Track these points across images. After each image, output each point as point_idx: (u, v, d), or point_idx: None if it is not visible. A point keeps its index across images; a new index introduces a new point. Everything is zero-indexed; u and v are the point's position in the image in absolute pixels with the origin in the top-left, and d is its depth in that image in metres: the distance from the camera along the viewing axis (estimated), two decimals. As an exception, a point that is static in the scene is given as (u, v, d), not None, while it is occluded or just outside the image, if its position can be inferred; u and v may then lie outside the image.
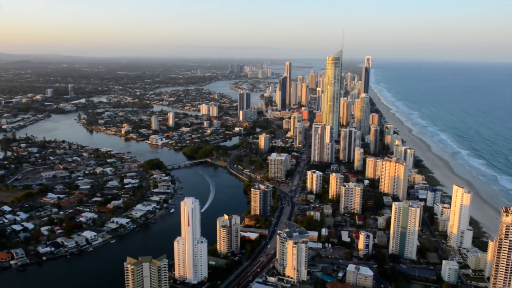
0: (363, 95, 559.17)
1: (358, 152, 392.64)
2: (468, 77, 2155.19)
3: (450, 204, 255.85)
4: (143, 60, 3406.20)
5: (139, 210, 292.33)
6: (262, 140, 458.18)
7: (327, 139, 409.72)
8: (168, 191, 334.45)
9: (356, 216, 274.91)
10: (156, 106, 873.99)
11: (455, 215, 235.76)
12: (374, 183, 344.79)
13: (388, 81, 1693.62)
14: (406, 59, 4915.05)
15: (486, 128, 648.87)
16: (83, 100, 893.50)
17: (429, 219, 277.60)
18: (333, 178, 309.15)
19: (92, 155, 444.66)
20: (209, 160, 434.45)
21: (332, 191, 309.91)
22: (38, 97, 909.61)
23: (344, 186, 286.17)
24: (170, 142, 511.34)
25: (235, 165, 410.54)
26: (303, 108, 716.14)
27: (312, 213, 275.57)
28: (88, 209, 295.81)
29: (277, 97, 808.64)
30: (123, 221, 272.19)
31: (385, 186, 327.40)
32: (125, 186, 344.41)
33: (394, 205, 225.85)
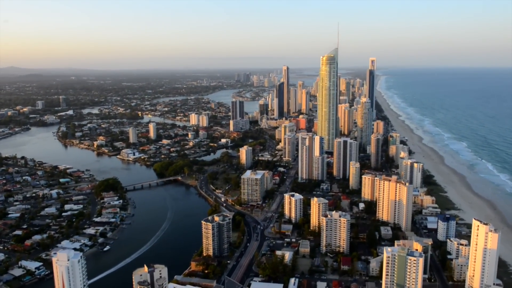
0: (364, 99, 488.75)
1: (353, 168, 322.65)
2: (483, 82, 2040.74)
3: (469, 240, 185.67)
4: (154, 72, 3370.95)
5: (63, 248, 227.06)
6: (244, 153, 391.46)
7: (316, 151, 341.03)
8: (113, 220, 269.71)
9: (341, 258, 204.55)
10: (147, 116, 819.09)
11: (476, 263, 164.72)
12: (372, 207, 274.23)
13: (399, 87, 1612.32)
14: (419, 65, 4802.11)
15: (503, 135, 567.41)
16: (70, 112, 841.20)
17: (441, 261, 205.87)
18: (315, 204, 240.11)
19: (48, 173, 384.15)
20: (179, 178, 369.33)
21: (314, 221, 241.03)
22: (25, 109, 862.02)
23: (326, 216, 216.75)
24: (142, 157, 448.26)
25: (208, 185, 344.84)
26: (301, 116, 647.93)
27: (281, 253, 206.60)
28: (2, 247, 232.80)
29: (274, 105, 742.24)
30: (33, 265, 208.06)
31: (383, 213, 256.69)
32: (63, 214, 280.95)
33: (386, 252, 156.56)
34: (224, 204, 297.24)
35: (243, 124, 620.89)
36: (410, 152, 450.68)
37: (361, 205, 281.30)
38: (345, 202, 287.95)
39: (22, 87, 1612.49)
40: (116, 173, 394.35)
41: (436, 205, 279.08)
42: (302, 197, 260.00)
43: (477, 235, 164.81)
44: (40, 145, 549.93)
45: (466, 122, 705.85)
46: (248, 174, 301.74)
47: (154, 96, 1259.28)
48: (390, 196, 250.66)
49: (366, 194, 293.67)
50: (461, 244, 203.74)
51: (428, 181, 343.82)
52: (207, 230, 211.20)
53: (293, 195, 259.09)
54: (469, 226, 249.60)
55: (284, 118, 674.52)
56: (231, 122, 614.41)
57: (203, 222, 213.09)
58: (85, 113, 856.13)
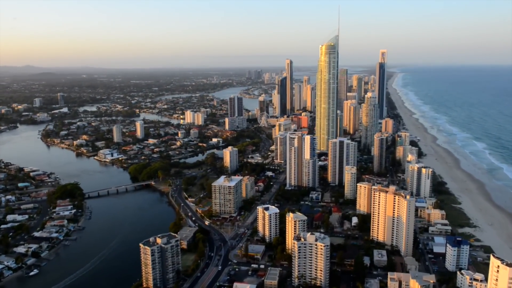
0: (369, 94, 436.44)
1: (348, 174, 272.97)
2: (502, 79, 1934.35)
3: (486, 273, 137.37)
4: (167, 70, 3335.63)
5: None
6: (227, 155, 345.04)
7: (306, 154, 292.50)
8: (55, 235, 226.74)
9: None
10: (145, 114, 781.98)
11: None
12: (367, 222, 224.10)
13: (416, 85, 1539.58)
14: (437, 63, 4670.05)
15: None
16: (65, 110, 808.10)
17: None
18: (290, 221, 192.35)
19: (10, 177, 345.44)
20: (152, 183, 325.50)
21: (289, 242, 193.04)
22: (20, 107, 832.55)
23: (299, 239, 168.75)
24: (120, 158, 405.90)
25: (182, 192, 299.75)
26: (303, 114, 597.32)
27: (240, 286, 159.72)
28: None
29: (276, 102, 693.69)
30: None
31: (379, 232, 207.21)
32: (2, 226, 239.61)
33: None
34: (193, 217, 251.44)
35: (240, 122, 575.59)
36: (422, 154, 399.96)
37: (354, 220, 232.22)
38: (335, 216, 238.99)
39: (29, 85, 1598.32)
40: (86, 176, 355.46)
41: (446, 222, 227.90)
42: (278, 210, 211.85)
43: (497, 279, 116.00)
44: (19, 144, 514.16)
45: (484, 121, 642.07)
46: (220, 180, 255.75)
47: (159, 93, 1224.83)
48: (386, 212, 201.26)
49: (361, 205, 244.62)
50: (475, 280, 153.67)
51: (439, 189, 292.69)
52: (146, 255, 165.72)
53: (267, 208, 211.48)
54: (487, 250, 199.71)
55: (286, 116, 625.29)
56: (227, 120, 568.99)
57: (141, 245, 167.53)
58: (81, 110, 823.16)
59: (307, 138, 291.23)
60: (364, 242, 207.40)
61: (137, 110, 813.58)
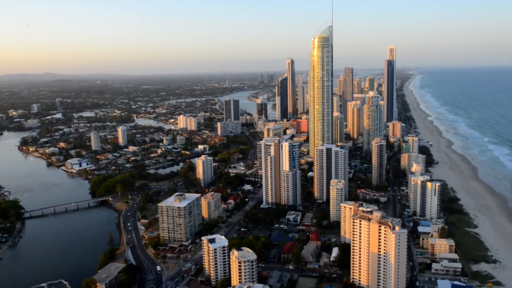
0: (371, 93, 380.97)
1: (333, 190, 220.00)
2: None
3: None
4: (184, 76, 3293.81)
5: None
6: (200, 165, 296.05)
7: (285, 165, 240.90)
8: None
9: None
10: (141, 119, 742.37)
11: None
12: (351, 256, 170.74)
13: (434, 86, 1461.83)
14: (457, 65, 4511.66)
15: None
16: (58, 115, 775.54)
17: None
18: (234, 262, 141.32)
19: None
20: (109, 199, 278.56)
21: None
22: (14, 113, 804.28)
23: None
24: (88, 169, 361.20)
25: (137, 211, 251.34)
26: (304, 117, 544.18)
27: None
28: None
29: (276, 104, 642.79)
30: None
31: (361, 274, 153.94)
32: None
33: None
34: (129, 247, 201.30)
35: (233, 127, 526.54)
36: (433, 162, 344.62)
37: (335, 252, 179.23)
38: (311, 246, 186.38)
39: (38, 92, 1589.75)
40: (41, 190, 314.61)
41: (455, 256, 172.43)
42: (226, 243, 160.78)
43: None
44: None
45: (503, 124, 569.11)
46: (170, 200, 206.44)
47: (165, 98, 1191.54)
48: (370, 247, 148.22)
49: (346, 232, 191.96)
50: None
51: (451, 207, 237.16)
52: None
53: (212, 240, 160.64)
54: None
55: (285, 119, 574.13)
56: (219, 124, 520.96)
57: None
58: (76, 116, 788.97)
59: (285, 145, 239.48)
60: (342, 287, 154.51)
61: (134, 115, 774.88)
